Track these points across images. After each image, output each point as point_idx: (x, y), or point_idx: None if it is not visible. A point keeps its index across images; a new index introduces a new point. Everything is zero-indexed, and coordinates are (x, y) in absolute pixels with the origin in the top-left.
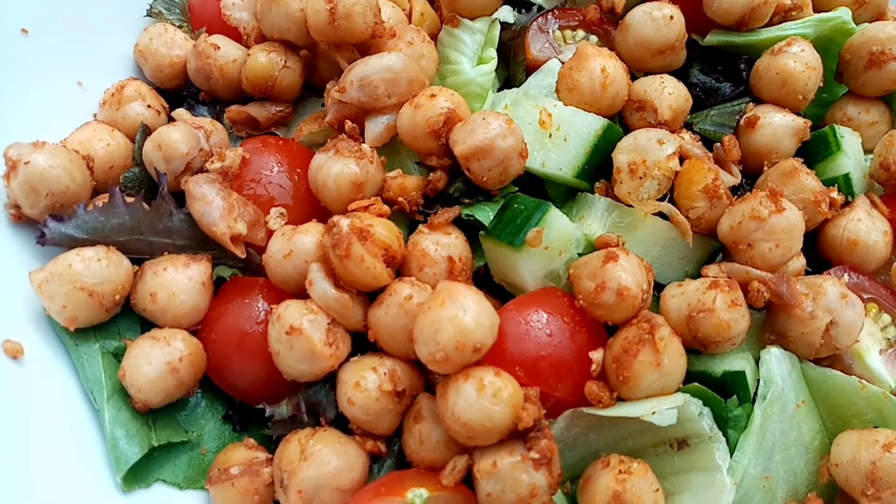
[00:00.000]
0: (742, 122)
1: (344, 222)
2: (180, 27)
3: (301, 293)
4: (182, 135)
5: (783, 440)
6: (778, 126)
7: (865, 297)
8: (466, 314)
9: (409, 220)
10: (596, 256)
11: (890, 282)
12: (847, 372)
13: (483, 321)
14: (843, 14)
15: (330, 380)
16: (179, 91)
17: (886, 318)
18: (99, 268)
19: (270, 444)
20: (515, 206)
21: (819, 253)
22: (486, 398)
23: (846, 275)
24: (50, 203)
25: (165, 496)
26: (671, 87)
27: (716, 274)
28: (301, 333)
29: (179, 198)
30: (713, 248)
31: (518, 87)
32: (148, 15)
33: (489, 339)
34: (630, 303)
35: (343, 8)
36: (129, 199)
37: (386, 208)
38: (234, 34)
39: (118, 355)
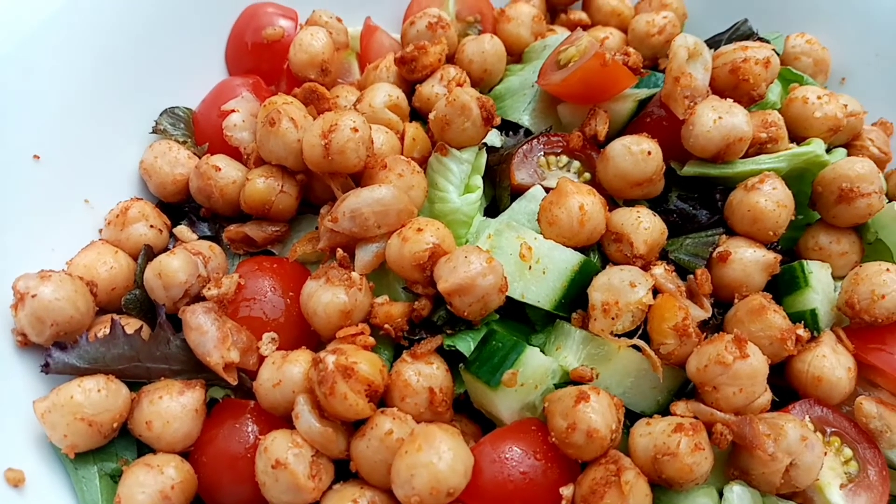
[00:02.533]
0: (714, 255)
1: (329, 360)
2: (184, 143)
3: (290, 418)
4: (181, 263)
5: None
6: (748, 262)
7: (829, 430)
8: (441, 461)
9: (394, 343)
10: (568, 394)
11: (853, 414)
12: None
13: (457, 467)
14: (816, 148)
15: None
16: (182, 205)
17: (849, 452)
18: (99, 398)
19: None
20: (493, 343)
21: (785, 381)
22: None
23: (808, 407)
24: (55, 332)
25: None
26: (647, 222)
27: (683, 412)
28: (286, 468)
29: (177, 320)
30: (684, 377)
31: (503, 210)
32: (154, 131)
33: (462, 484)
34: (599, 444)
35: (337, 144)
36: (129, 330)
37: (371, 340)
38: (236, 152)
39: (115, 477)
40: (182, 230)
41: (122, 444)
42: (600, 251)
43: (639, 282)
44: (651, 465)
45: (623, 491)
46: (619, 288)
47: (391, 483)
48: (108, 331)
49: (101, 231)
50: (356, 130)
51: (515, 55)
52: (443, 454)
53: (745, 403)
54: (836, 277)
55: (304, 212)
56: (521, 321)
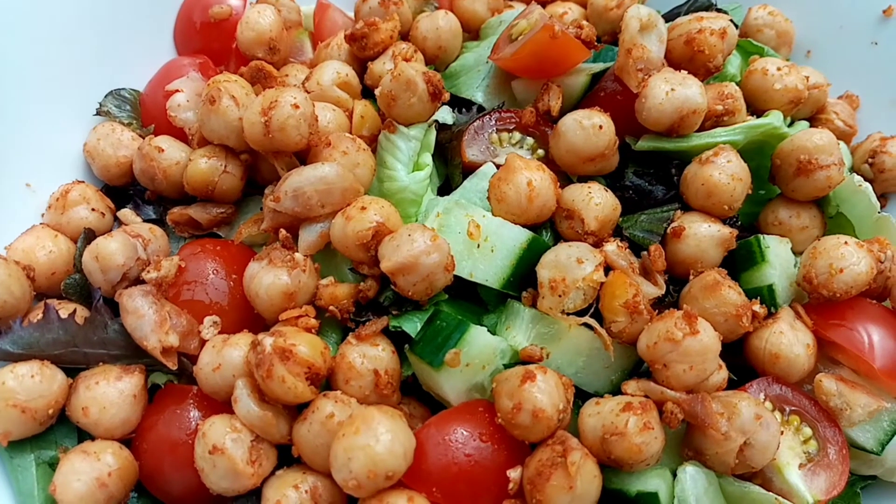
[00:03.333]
0: (669, 231)
1: (267, 342)
2: (129, 125)
3: (230, 403)
4: (119, 245)
5: None
6: (703, 236)
7: (788, 409)
8: (379, 443)
9: (341, 326)
10: (515, 374)
11: (814, 392)
12: (767, 486)
13: (396, 449)
14: (774, 119)
15: (257, 493)
16: (126, 188)
17: (808, 430)
18: (32, 384)
19: None
20: (438, 322)
21: (744, 360)
22: None
23: (766, 385)
24: None
25: None
26: (598, 198)
27: (633, 391)
28: (223, 453)
29: (116, 306)
30: (638, 357)
31: (455, 188)
32: (97, 113)
33: (402, 467)
34: (545, 424)
35: (277, 121)
36: (63, 314)
37: (314, 322)
38: (183, 134)
39: (53, 465)
40: (126, 213)
41: (62, 431)
42: (553, 229)
43: (586, 258)
44: (600, 446)
45: (570, 472)
46: (566, 264)
47: (330, 466)
48: (42, 315)
49: (42, 216)
50: (297, 107)
51: (472, 31)
52: (381, 436)
53: (696, 381)
54: (797, 253)
55: (251, 194)
56: (474, 302)
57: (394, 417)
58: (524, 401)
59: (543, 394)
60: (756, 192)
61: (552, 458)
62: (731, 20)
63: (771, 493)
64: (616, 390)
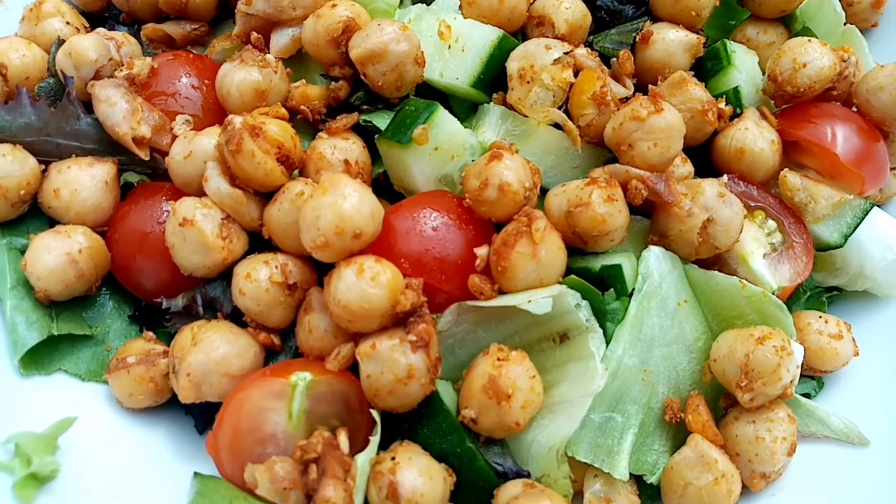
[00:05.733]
0: (637, 38)
1: (237, 119)
2: None
3: (203, 195)
4: (92, 43)
5: (663, 336)
6: (671, 41)
7: (752, 205)
8: (346, 201)
9: (313, 130)
10: (483, 157)
11: (779, 192)
12: (732, 274)
13: (363, 209)
14: None
15: (227, 277)
16: (101, 14)
17: (773, 224)
18: (4, 163)
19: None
20: (407, 108)
21: (712, 166)
22: (365, 281)
23: (731, 183)
24: None
25: (67, 385)
26: (568, 3)
27: (599, 175)
28: (193, 225)
29: (91, 108)
30: (606, 158)
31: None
32: None
33: (369, 227)
34: (511, 199)
35: None
36: (37, 100)
37: (284, 111)
38: None
39: (24, 252)
40: (100, 31)
41: (34, 224)
42: (524, 38)
43: (554, 45)
44: (565, 221)
45: (535, 239)
46: (535, 52)
47: (300, 234)
48: (14, 101)
49: (16, 33)
50: None
51: None
52: (348, 195)
53: (661, 160)
54: (765, 71)
55: (225, 18)
56: None
57: (362, 185)
58: (491, 176)
59: (509, 170)
60: (725, 21)
61: (517, 228)
62: None
63: (735, 277)
64: None
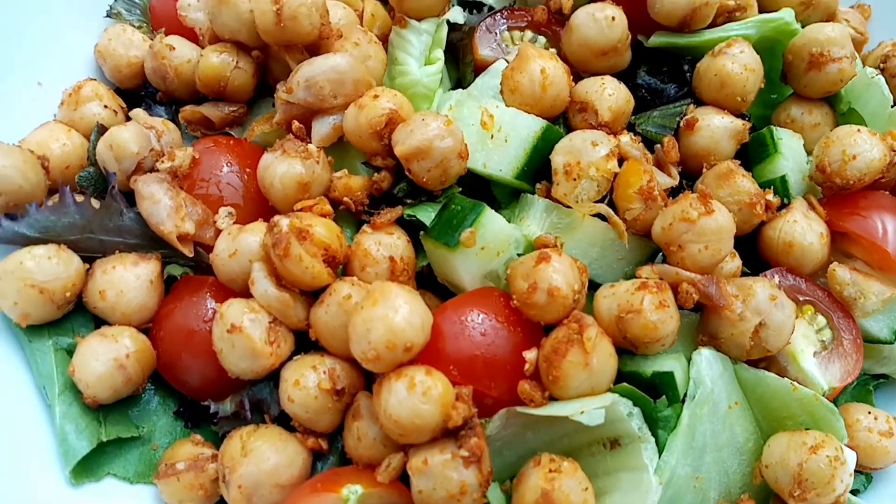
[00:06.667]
0: (682, 123)
1: (284, 222)
2: (140, 28)
3: (248, 292)
4: (133, 134)
5: (714, 441)
6: (716, 128)
7: (802, 298)
8: (397, 314)
9: (356, 220)
10: (530, 257)
11: (828, 284)
12: (782, 374)
13: (414, 321)
14: (786, 15)
15: (274, 378)
16: (138, 91)
17: (822, 320)
18: (49, 266)
19: (218, 441)
20: (453, 206)
21: (759, 255)
22: (417, 396)
23: (780, 276)
24: (3, 202)
25: (116, 490)
26: (611, 89)
27: (648, 275)
28: (241, 332)
29: (132, 198)
30: (651, 249)
31: (466, 87)
32: (108, 16)
33: (420, 339)
34: (561, 303)
35: (289, 9)
36: (80, 198)
37: (329, 208)
38: (192, 35)
39: (70, 352)
40: (138, 112)
41: (79, 320)
42: (566, 125)
43: (600, 141)
44: (615, 326)
45: (586, 348)
46: (581, 148)
47: (349, 343)
48: (58, 199)
49: (55, 115)
50: None
51: None
52: (399, 308)
53: (711, 262)
54: (809, 152)
55: (263, 96)
56: (487, 200)
57: (411, 292)
58: (540, 280)
59: (559, 273)
60: (767, 96)
61: (568, 335)
62: None
63: (786, 379)
64: None
